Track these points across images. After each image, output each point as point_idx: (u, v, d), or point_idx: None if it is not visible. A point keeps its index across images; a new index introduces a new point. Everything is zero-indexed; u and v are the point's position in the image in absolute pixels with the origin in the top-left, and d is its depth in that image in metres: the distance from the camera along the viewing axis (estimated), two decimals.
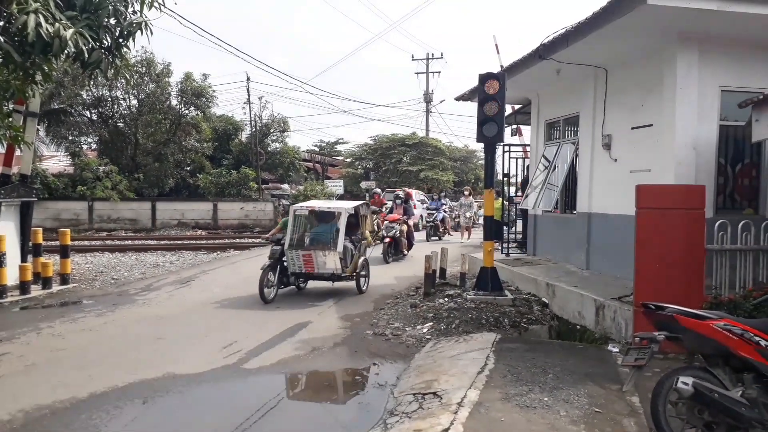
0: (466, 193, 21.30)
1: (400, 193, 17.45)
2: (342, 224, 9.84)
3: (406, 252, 15.32)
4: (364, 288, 10.62)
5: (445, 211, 21.24)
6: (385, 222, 15.29)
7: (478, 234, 18.34)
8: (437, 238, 20.08)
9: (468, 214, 19.99)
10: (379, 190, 20.55)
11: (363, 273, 10.65)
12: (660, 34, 7.49)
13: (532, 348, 6.53)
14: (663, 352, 5.41)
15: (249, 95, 33.15)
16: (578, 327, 7.87)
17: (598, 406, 4.74)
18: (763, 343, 3.96)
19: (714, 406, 3.93)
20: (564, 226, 11.10)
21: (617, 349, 6.53)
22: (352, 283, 10.60)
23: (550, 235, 11.71)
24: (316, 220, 10.59)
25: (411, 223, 16.15)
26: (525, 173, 13.48)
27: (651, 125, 8.18)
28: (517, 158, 13.44)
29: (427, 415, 4.67)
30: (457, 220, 23.63)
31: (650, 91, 8.19)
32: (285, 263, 9.89)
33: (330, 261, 9.69)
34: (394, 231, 14.75)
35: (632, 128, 8.65)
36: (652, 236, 6.27)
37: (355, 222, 10.68)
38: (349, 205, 10.66)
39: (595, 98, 9.67)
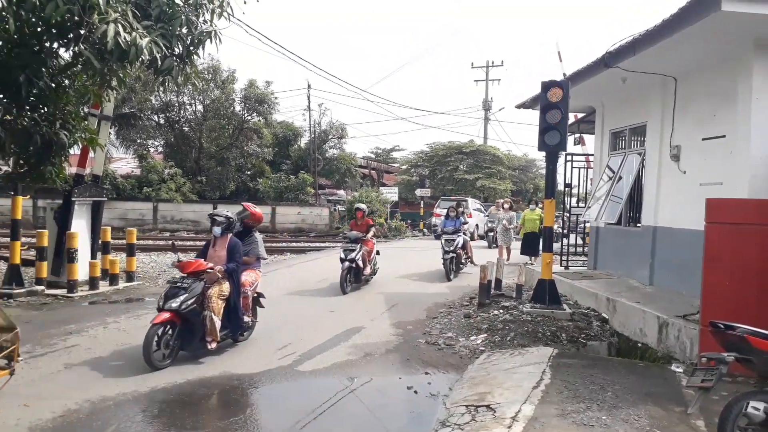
0: (506, 206, 17.41)
1: (221, 218, 7.09)
2: None
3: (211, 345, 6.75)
4: None
5: (465, 233, 14.51)
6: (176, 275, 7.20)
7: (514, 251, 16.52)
8: (455, 271, 13.60)
9: (506, 232, 16.54)
10: (364, 207, 13.03)
11: None
12: (734, 41, 7.15)
13: (591, 364, 6.33)
14: (731, 374, 5.15)
15: (309, 102, 33.94)
16: (639, 345, 7.58)
17: (660, 428, 4.54)
18: None
19: None
20: (627, 239, 10.74)
21: (681, 369, 6.25)
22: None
23: (612, 248, 11.35)
24: None
25: (250, 280, 7.43)
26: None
27: (724, 136, 7.82)
28: (579, 168, 13.11)
29: (479, 428, 4.60)
30: (492, 234, 20.36)
31: (723, 100, 7.84)
32: None
33: None
34: (180, 301, 6.38)
35: (703, 139, 8.29)
36: (722, 252, 5.98)
37: None
38: None
39: (663, 108, 9.34)
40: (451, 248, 13.33)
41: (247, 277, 7.37)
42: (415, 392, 5.89)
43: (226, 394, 5.76)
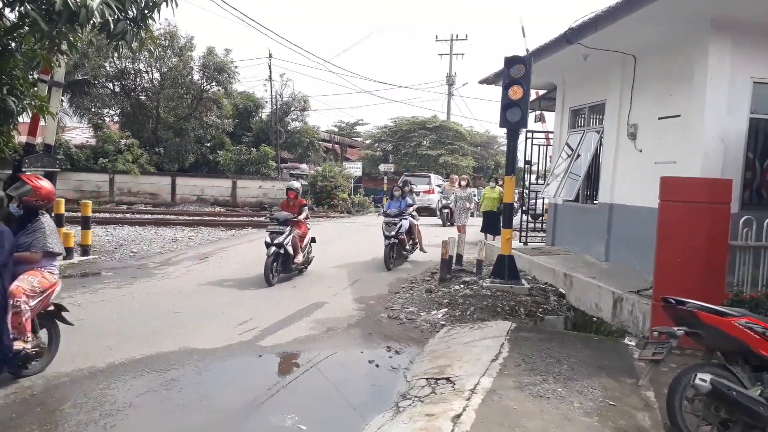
0: (463, 183, 14.67)
1: None
2: None
3: None
4: None
5: (412, 215, 12.37)
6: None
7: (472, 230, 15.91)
8: (397, 259, 11.70)
9: (464, 211, 13.79)
10: (298, 185, 11.00)
11: None
12: (693, 21, 7.29)
13: (547, 338, 6.49)
14: (681, 347, 5.35)
15: (271, 72, 33.18)
16: (595, 319, 7.81)
17: (612, 399, 4.70)
18: None
19: (731, 404, 3.88)
20: (584, 216, 10.98)
21: (634, 343, 6.47)
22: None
23: (570, 225, 11.59)
24: None
25: (27, 287, 5.00)
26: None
27: (679, 116, 8.01)
28: (539, 145, 13.25)
29: (439, 399, 4.67)
30: (447, 212, 20.10)
31: (679, 80, 8.01)
32: None
33: None
34: None
35: (659, 118, 8.48)
36: (675, 229, 6.15)
37: None
38: None
39: (622, 86, 9.49)
40: (392, 233, 11.43)
41: (22, 283, 4.98)
42: (377, 366, 5.95)
43: (185, 370, 5.68)
